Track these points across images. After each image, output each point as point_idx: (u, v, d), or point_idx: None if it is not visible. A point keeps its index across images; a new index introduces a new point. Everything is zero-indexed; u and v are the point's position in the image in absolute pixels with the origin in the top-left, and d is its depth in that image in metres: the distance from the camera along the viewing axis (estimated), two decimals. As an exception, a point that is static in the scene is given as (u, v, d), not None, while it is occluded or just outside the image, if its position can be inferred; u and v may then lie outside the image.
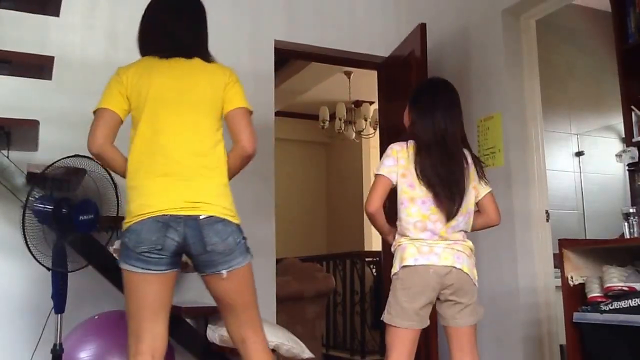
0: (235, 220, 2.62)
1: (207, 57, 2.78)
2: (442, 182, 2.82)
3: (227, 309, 2.70)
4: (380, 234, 3.12)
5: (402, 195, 2.88)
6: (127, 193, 2.61)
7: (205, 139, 2.66)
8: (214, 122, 2.70)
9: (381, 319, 2.86)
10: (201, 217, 2.53)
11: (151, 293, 2.57)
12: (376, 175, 2.94)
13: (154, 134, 2.61)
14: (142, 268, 2.51)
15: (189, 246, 2.55)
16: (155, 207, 2.51)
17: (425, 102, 3.08)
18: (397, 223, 2.90)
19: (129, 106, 2.66)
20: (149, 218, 2.49)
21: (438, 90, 3.14)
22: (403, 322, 2.77)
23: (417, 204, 2.83)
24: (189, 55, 2.74)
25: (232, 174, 2.72)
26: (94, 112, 2.66)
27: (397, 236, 2.92)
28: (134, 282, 2.55)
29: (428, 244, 2.81)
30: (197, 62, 2.74)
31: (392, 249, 2.94)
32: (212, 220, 2.55)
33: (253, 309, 2.71)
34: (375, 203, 2.92)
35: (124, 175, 2.65)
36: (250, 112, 2.73)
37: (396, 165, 2.90)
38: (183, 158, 2.60)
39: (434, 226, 2.81)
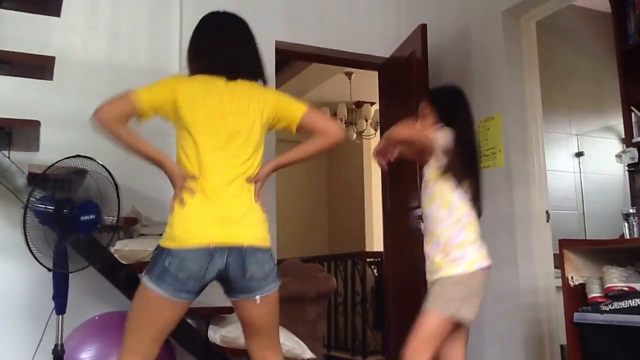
0: (270, 246, 2.67)
1: (265, 80, 2.81)
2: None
3: (253, 332, 2.73)
4: None
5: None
6: (171, 204, 2.58)
7: (252, 166, 2.67)
8: (261, 144, 2.72)
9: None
10: (245, 247, 2.55)
11: (167, 319, 2.59)
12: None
13: (203, 155, 2.58)
14: (171, 294, 2.50)
15: (229, 274, 2.57)
16: (201, 238, 2.51)
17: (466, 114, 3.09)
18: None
19: (166, 113, 2.62)
20: (194, 248, 2.49)
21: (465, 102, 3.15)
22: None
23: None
24: (249, 77, 2.75)
25: (314, 152, 2.83)
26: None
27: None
28: (154, 304, 2.54)
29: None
30: (245, 84, 2.73)
31: None
32: (254, 249, 2.58)
33: (276, 333, 2.77)
34: None
35: (145, 154, 2.60)
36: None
37: None
38: (230, 185, 2.59)
39: None
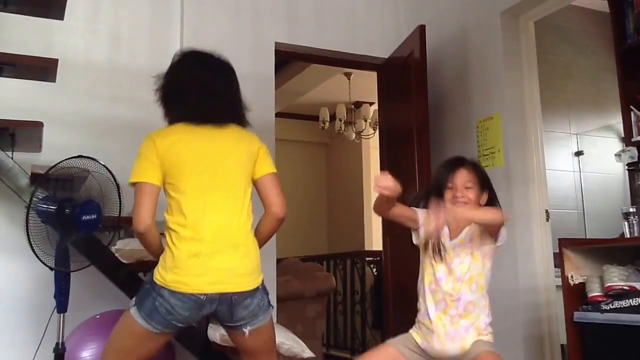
0: (260, 280, 2.70)
1: (244, 124, 2.82)
2: None
3: (248, 355, 2.79)
4: None
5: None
6: (165, 249, 2.62)
7: (242, 213, 2.70)
8: (247, 191, 2.75)
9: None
10: (234, 296, 2.59)
11: (151, 348, 2.65)
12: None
13: (193, 209, 2.62)
14: (158, 330, 2.56)
15: (217, 316, 2.66)
16: (192, 288, 2.54)
17: None
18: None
19: (163, 175, 2.65)
20: (185, 295, 2.53)
21: None
22: None
23: None
24: (226, 121, 2.75)
25: (266, 237, 2.81)
26: (133, 184, 2.64)
27: None
28: (139, 335, 2.59)
29: None
30: (232, 128, 2.76)
31: None
32: (244, 296, 2.62)
33: (273, 353, 2.84)
34: None
35: (157, 257, 2.64)
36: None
37: None
38: (220, 235, 2.63)
39: None
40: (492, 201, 2.90)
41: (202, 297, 2.54)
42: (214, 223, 2.61)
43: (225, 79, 2.80)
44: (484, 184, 2.90)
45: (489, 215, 2.75)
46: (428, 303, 2.79)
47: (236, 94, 2.82)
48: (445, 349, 2.75)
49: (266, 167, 2.79)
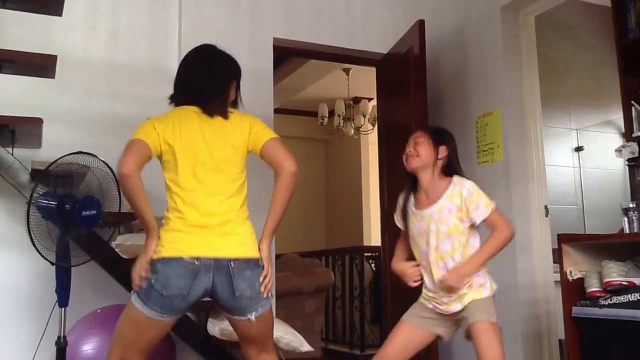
0: (259, 255, 2.71)
1: (226, 116, 2.82)
2: None
3: (249, 342, 2.81)
4: None
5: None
6: (161, 237, 2.63)
7: (238, 196, 2.74)
8: (242, 168, 2.80)
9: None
10: (231, 263, 2.60)
11: (153, 336, 2.66)
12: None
13: (189, 187, 2.66)
14: (158, 313, 2.57)
15: (218, 298, 2.64)
16: (185, 252, 2.57)
17: None
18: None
19: (160, 151, 2.67)
20: (178, 262, 2.55)
21: None
22: None
23: None
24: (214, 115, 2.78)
25: (285, 198, 2.75)
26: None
27: None
28: (141, 323, 2.60)
29: None
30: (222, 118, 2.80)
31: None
32: (242, 265, 2.62)
33: (271, 338, 2.88)
34: None
35: (139, 212, 2.61)
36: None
37: None
38: (214, 210, 2.66)
39: None
40: (452, 158, 3.05)
41: (196, 262, 2.55)
42: (210, 204, 2.66)
43: (216, 75, 2.86)
44: (439, 139, 3.05)
45: (494, 247, 2.94)
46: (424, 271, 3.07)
47: (224, 91, 2.86)
48: (449, 307, 2.96)
49: (265, 135, 2.79)
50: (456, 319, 2.98)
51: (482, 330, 2.84)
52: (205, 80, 2.81)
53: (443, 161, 3.03)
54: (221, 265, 2.59)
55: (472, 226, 2.97)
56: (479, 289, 2.93)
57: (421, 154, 3.02)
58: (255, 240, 2.74)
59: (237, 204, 2.73)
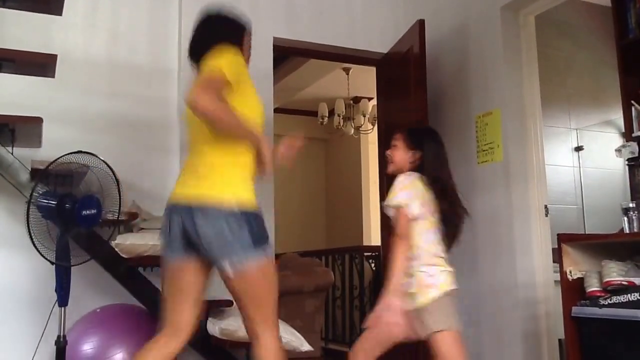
0: (226, 203, 2.52)
1: None
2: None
3: (236, 301, 2.67)
4: None
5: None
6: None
7: (212, 149, 2.67)
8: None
9: None
10: (192, 204, 2.54)
11: (184, 283, 2.65)
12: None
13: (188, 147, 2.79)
14: (166, 248, 2.66)
15: (189, 232, 2.55)
16: (170, 198, 2.66)
17: None
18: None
19: None
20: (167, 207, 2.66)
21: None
22: None
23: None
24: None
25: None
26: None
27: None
28: (168, 270, 2.68)
29: None
30: None
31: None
32: (199, 208, 2.51)
33: (258, 308, 2.61)
34: None
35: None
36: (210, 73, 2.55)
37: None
38: (189, 167, 2.72)
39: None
40: (426, 161, 3.06)
41: (170, 205, 2.64)
42: (190, 159, 2.73)
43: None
44: (414, 142, 3.09)
45: (394, 267, 2.92)
46: None
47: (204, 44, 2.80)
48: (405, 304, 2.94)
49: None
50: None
51: (436, 341, 2.89)
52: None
53: (414, 164, 3.06)
54: (180, 207, 2.59)
55: (420, 222, 2.96)
56: (426, 290, 2.93)
57: (395, 160, 3.12)
58: (226, 188, 2.59)
59: (214, 156, 2.68)
